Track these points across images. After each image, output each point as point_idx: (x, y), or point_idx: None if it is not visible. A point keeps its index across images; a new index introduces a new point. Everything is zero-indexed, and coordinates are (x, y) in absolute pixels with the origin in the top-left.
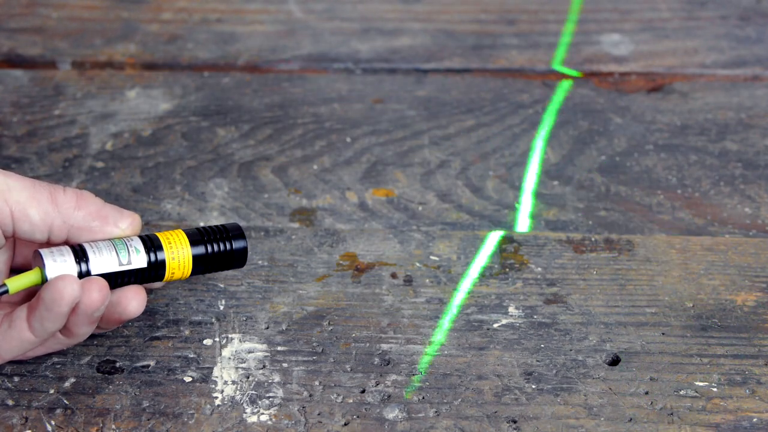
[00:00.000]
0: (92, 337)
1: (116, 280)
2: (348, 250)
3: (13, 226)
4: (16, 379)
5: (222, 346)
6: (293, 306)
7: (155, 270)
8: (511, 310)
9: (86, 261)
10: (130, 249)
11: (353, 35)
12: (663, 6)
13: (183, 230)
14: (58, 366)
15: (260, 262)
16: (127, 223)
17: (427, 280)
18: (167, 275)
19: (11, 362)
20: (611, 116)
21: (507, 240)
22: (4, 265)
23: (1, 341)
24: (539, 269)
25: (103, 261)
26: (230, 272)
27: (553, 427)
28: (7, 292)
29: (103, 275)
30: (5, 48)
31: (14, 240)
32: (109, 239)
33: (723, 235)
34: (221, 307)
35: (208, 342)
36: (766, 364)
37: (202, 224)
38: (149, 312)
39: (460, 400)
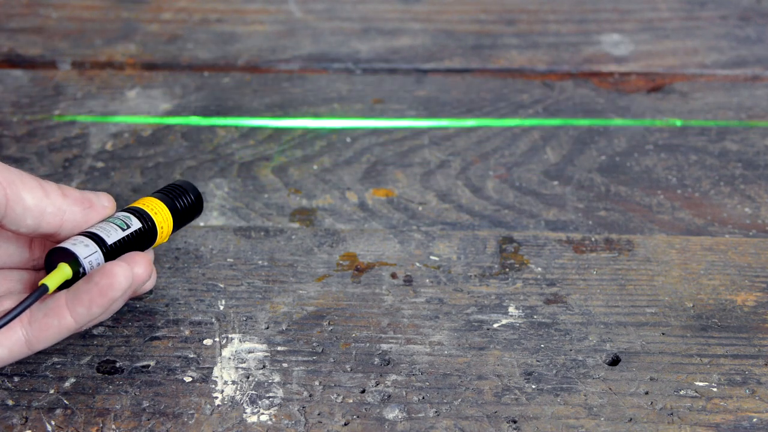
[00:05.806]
0: (92, 336)
1: (123, 247)
2: (348, 250)
3: (6, 207)
4: (16, 379)
5: (222, 346)
6: (293, 306)
7: (150, 232)
8: (511, 310)
9: (101, 240)
10: (123, 218)
11: (353, 35)
12: (663, 6)
13: (150, 197)
14: (58, 366)
15: (260, 262)
16: (106, 199)
17: (427, 280)
18: (159, 235)
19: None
20: (611, 116)
21: (507, 240)
22: None
23: (36, 332)
24: (539, 269)
25: (112, 234)
26: (230, 272)
27: (553, 427)
28: (47, 290)
29: (114, 244)
30: (5, 48)
31: None
32: (101, 220)
33: (723, 235)
34: (221, 307)
35: (208, 342)
36: (766, 364)
37: (202, 224)
38: (149, 312)
39: (460, 400)
